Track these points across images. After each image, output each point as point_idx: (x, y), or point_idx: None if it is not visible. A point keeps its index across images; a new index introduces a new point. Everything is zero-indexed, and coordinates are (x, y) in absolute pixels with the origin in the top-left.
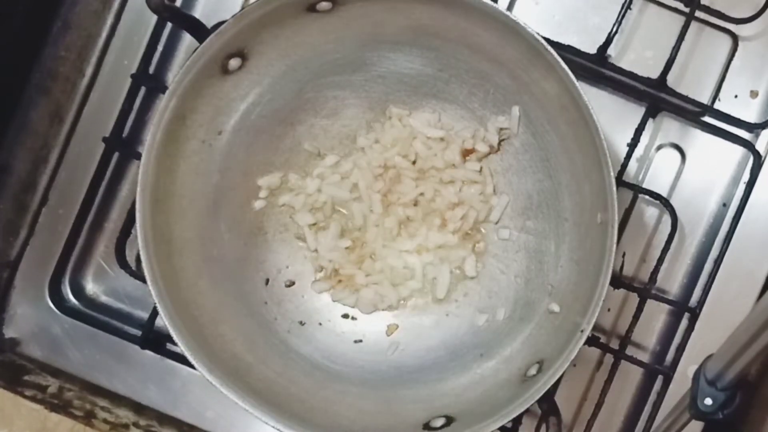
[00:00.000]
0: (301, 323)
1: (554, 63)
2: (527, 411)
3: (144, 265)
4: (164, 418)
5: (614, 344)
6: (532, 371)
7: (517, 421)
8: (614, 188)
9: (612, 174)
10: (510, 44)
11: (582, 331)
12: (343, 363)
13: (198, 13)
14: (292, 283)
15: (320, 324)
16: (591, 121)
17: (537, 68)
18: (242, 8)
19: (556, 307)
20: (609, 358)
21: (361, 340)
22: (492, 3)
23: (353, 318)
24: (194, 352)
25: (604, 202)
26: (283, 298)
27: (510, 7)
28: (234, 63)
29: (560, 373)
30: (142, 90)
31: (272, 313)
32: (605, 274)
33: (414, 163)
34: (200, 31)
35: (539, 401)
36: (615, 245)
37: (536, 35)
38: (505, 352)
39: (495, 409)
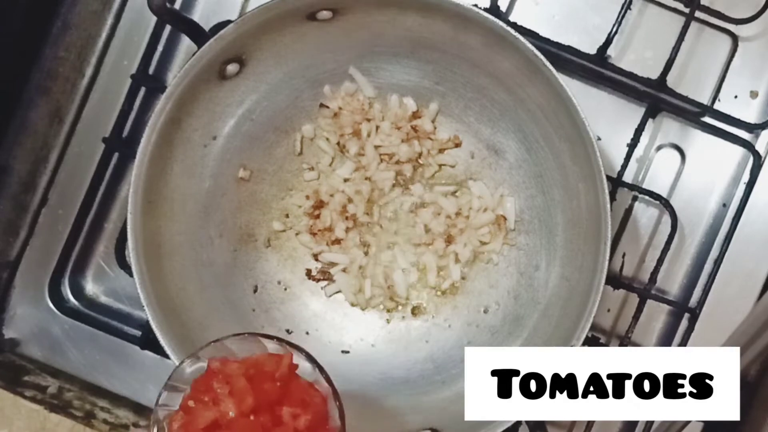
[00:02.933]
0: (288, 332)
1: (551, 78)
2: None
3: (133, 266)
4: None
5: (614, 344)
6: None
7: None
8: (608, 206)
9: (606, 192)
10: (507, 59)
11: (572, 346)
12: (330, 373)
13: (197, 14)
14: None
15: (307, 333)
16: (587, 138)
17: (534, 83)
18: (242, 13)
19: None
20: None
21: (348, 351)
22: (491, 17)
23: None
24: (180, 356)
25: (597, 220)
26: (270, 306)
27: (510, 8)
28: (231, 68)
29: None
30: (142, 90)
31: (260, 320)
32: (596, 291)
33: (411, 171)
34: (199, 35)
35: None
36: (607, 262)
37: (534, 50)
38: None
39: (481, 423)
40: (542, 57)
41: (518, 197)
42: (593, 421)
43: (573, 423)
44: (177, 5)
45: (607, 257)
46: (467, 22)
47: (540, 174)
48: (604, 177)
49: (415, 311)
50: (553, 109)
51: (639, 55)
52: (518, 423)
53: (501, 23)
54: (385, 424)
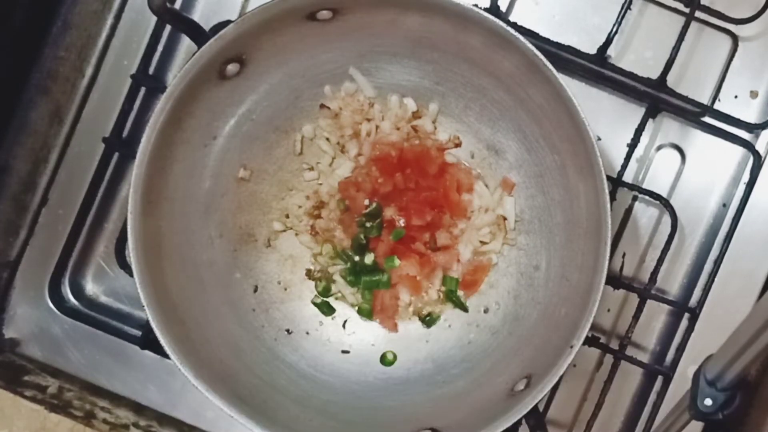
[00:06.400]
0: (288, 331)
1: (552, 78)
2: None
3: (133, 267)
4: (164, 419)
5: (614, 344)
6: (520, 386)
7: None
8: (608, 206)
9: (606, 192)
10: (507, 58)
11: (571, 347)
12: (330, 373)
13: (197, 14)
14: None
15: (307, 333)
16: (587, 138)
17: (534, 83)
18: (242, 13)
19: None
20: (609, 359)
21: (348, 351)
22: (491, 17)
23: (343, 327)
24: (180, 356)
25: (597, 220)
26: (270, 305)
27: (510, 8)
28: (232, 68)
29: (549, 388)
30: (142, 90)
31: (259, 320)
32: (596, 291)
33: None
34: (199, 35)
35: (526, 416)
36: (607, 262)
37: (534, 50)
38: (493, 367)
39: (481, 423)
40: (542, 57)
41: (518, 197)
42: (593, 420)
43: (573, 423)
44: (177, 5)
45: (607, 257)
46: (467, 22)
47: (540, 174)
48: (604, 177)
49: (416, 311)
50: (553, 109)
51: (639, 55)
52: (518, 423)
53: (501, 23)
54: (385, 424)
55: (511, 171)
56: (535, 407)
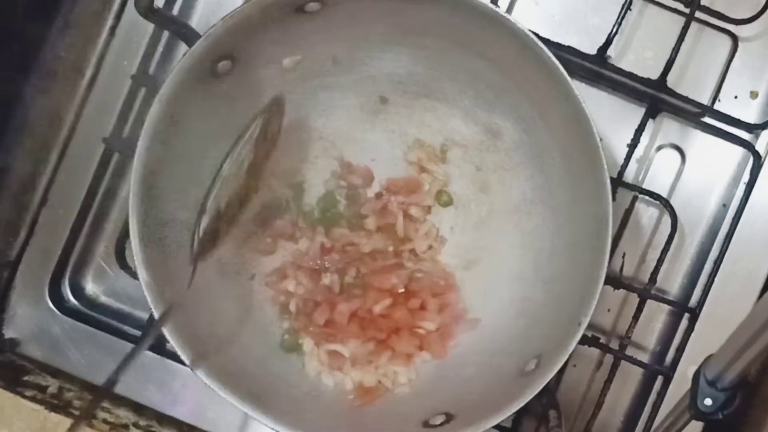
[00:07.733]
0: None
1: (544, 57)
2: (527, 411)
3: (138, 266)
4: (164, 419)
5: (614, 344)
6: (531, 366)
7: (517, 421)
8: (608, 181)
9: (605, 166)
10: (500, 41)
11: (579, 323)
12: None
13: (196, 16)
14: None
15: None
16: (583, 115)
17: (528, 64)
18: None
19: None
20: (609, 359)
21: None
22: (484, 1)
23: None
24: (192, 356)
25: (598, 196)
26: None
27: (510, 8)
28: (223, 66)
29: (559, 367)
30: (142, 90)
31: (268, 316)
32: (601, 266)
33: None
34: (191, 36)
35: (539, 395)
36: (610, 237)
37: (525, 30)
38: (503, 348)
39: (495, 405)
40: (534, 37)
41: (518, 178)
42: (593, 420)
43: (573, 423)
44: (176, 7)
45: (610, 232)
46: (458, 7)
47: (539, 154)
48: (602, 152)
49: None
50: (548, 88)
51: (639, 55)
52: (519, 423)
53: (494, 7)
54: (398, 411)
55: (509, 152)
56: (547, 386)
